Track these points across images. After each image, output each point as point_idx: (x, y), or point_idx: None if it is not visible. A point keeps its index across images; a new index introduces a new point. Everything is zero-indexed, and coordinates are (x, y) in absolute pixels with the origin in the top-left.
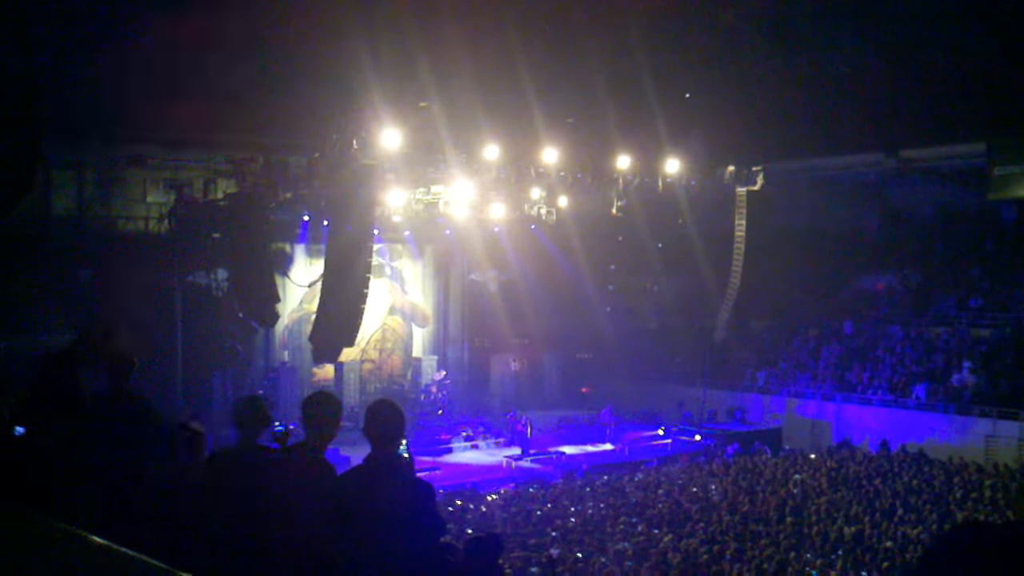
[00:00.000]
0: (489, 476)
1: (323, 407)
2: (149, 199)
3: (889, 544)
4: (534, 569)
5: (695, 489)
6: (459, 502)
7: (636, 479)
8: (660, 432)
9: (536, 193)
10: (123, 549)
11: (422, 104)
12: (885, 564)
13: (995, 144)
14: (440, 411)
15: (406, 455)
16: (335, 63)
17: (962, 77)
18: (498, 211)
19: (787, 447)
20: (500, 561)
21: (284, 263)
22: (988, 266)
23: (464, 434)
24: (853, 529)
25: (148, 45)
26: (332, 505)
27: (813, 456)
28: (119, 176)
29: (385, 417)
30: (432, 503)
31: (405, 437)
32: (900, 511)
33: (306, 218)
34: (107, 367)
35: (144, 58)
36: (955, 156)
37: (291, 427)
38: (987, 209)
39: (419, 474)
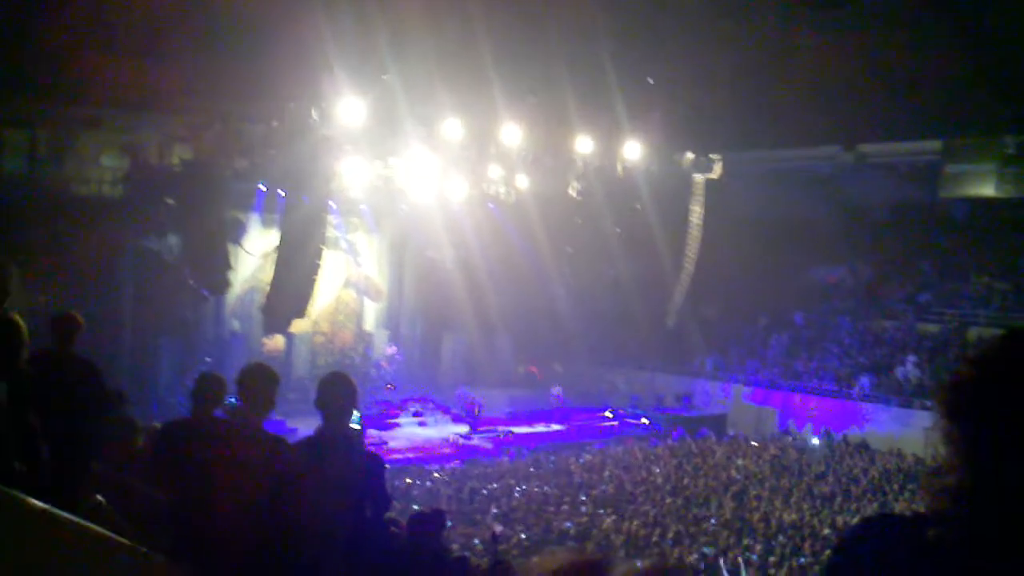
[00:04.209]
0: (436, 453)
1: (260, 380)
2: (103, 162)
3: (827, 532)
4: (477, 543)
5: (640, 471)
6: (408, 480)
7: (582, 460)
8: (608, 415)
9: (495, 172)
10: (63, 513)
11: (384, 76)
12: (828, 552)
13: (950, 143)
14: (390, 386)
15: (357, 427)
16: (296, 30)
17: (921, 75)
18: (456, 188)
19: (731, 432)
20: (444, 536)
21: (237, 232)
22: (938, 262)
23: (413, 410)
24: (794, 516)
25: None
26: (283, 475)
27: (755, 443)
28: (73, 138)
29: (338, 390)
30: (382, 477)
31: (358, 410)
32: (839, 499)
33: (262, 187)
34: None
35: (100, 15)
36: (910, 153)
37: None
38: (939, 206)
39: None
